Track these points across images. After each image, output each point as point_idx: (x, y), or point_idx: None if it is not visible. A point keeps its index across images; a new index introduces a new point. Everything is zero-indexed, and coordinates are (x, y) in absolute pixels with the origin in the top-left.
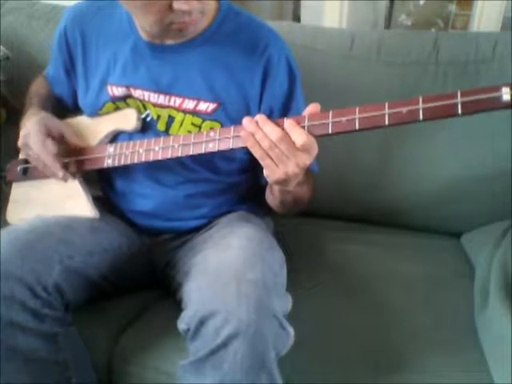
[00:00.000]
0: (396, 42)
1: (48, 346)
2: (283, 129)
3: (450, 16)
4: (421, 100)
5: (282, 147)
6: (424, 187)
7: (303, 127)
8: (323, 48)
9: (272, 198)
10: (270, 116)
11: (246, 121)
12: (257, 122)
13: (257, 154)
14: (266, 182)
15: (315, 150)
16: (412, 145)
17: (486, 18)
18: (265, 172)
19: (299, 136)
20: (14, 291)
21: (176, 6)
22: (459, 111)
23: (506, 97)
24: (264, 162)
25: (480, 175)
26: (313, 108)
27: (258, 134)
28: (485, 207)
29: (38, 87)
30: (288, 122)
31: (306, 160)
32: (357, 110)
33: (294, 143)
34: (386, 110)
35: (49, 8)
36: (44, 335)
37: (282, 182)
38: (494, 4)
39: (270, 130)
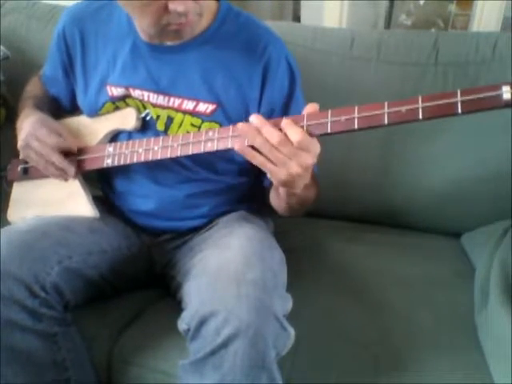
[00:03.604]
0: (396, 41)
1: (47, 346)
2: (280, 129)
3: (450, 16)
4: (420, 99)
5: (282, 149)
6: (424, 187)
7: (302, 127)
8: (323, 48)
9: (278, 201)
10: (270, 117)
11: (242, 126)
12: (255, 127)
13: (257, 162)
14: (270, 184)
15: (316, 149)
16: (412, 145)
17: (485, 17)
18: (268, 175)
19: (295, 134)
20: (13, 291)
21: (172, 6)
22: (459, 110)
23: (506, 95)
24: (265, 167)
25: (480, 175)
26: (311, 108)
27: (256, 140)
28: (485, 207)
29: (32, 88)
30: (285, 122)
31: (308, 159)
32: (356, 109)
33: (292, 143)
34: (386, 109)
35: (49, 8)
36: (42, 335)
37: (288, 184)
38: (494, 4)
39: (269, 134)
